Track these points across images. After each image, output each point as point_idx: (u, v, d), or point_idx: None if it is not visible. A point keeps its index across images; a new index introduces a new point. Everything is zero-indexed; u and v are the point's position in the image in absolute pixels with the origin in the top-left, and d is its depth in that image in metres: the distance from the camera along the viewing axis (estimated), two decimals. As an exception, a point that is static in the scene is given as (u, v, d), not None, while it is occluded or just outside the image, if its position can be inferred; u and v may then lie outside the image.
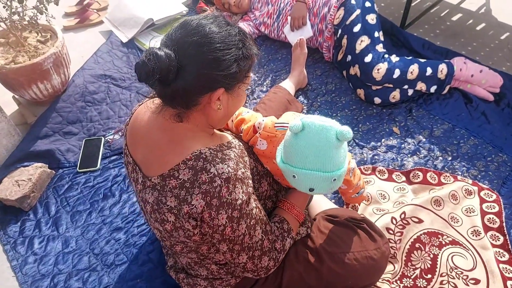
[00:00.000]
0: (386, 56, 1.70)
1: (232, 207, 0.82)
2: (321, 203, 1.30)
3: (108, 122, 1.75)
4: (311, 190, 0.87)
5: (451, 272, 1.21)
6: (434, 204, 1.36)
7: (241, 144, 0.96)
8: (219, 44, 0.77)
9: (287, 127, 0.93)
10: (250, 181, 0.89)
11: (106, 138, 1.68)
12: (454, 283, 1.19)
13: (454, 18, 2.29)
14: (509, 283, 1.16)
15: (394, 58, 1.70)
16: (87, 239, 1.38)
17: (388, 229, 1.29)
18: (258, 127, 1.05)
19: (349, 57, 1.76)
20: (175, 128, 0.86)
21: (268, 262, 0.94)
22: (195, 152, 0.83)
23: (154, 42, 2.11)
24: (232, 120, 1.14)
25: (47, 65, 1.60)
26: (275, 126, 1.02)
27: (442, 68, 1.70)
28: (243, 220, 0.84)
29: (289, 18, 1.97)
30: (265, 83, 1.94)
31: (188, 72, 0.77)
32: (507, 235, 1.29)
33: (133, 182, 0.95)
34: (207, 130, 0.90)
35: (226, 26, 0.81)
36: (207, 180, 0.80)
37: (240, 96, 0.88)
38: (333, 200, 1.43)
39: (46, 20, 1.61)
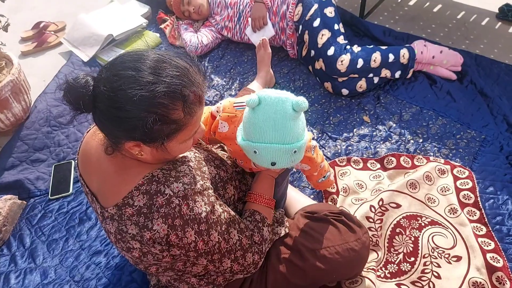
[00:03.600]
0: (348, 47, 1.72)
1: (197, 221, 0.80)
2: (299, 201, 1.30)
3: (77, 144, 1.70)
4: (273, 164, 0.86)
5: (433, 253, 1.23)
6: (410, 188, 1.38)
7: (198, 156, 0.94)
8: (129, 106, 0.70)
9: (245, 105, 0.93)
10: (211, 191, 0.87)
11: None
12: (437, 263, 1.21)
13: (411, 3, 2.34)
14: (488, 255, 1.19)
15: (356, 49, 1.72)
16: (66, 267, 1.34)
17: (368, 217, 1.30)
18: (217, 111, 1.03)
19: (312, 52, 1.77)
20: (121, 155, 0.82)
21: (253, 257, 0.93)
22: (147, 176, 0.81)
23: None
24: None
25: (5, 93, 1.54)
26: (234, 106, 1.01)
27: (404, 53, 1.73)
28: (213, 229, 0.83)
29: (249, 19, 1.96)
30: (233, 87, 1.93)
31: (99, 112, 0.75)
32: (482, 209, 1.32)
33: (94, 212, 0.93)
34: (150, 161, 0.85)
35: (158, 79, 0.71)
36: (164, 203, 0.78)
37: (174, 148, 0.81)
38: (312, 196, 1.44)
39: (-3, 47, 1.56)
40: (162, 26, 2.27)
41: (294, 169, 1.10)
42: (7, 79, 1.54)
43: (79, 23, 2.20)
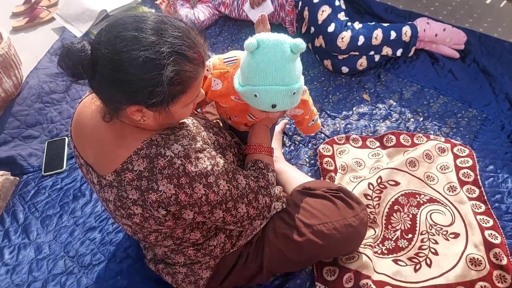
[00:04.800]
0: (349, 24, 1.67)
1: (204, 175, 0.80)
2: (297, 178, 1.28)
3: (70, 121, 1.67)
4: (274, 106, 0.87)
5: (430, 229, 1.22)
6: (409, 165, 1.36)
7: (196, 122, 0.92)
8: (133, 68, 0.69)
9: (236, 59, 0.94)
10: (211, 149, 0.86)
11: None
12: (434, 239, 1.20)
13: (414, -20, 2.28)
14: (486, 232, 1.18)
15: (357, 25, 1.68)
16: (60, 243, 1.32)
17: (366, 195, 1.28)
18: (208, 70, 1.01)
19: (312, 29, 1.73)
20: (119, 122, 0.81)
21: (265, 200, 0.94)
22: (146, 140, 0.79)
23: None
24: None
25: (-5, 67, 1.50)
26: (224, 62, 1.00)
27: (406, 30, 1.68)
28: (220, 179, 0.83)
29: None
30: (231, 64, 1.89)
31: (99, 76, 0.71)
32: (482, 187, 1.31)
33: (90, 184, 0.90)
34: (147, 127, 0.84)
35: (161, 39, 0.70)
36: (166, 164, 0.77)
37: (178, 112, 0.80)
38: (309, 174, 1.42)
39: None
40: (157, 1, 2.21)
41: (287, 115, 1.10)
42: (-3, 52, 1.50)
43: (72, -2, 2.14)
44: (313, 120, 1.13)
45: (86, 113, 0.87)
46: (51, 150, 1.57)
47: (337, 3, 1.70)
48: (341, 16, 1.69)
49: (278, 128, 1.51)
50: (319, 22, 1.68)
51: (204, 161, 0.81)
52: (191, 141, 0.81)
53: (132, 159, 0.78)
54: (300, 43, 0.83)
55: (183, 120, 0.89)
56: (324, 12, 1.67)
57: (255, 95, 0.86)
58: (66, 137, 1.61)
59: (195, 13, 2.03)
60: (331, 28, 1.65)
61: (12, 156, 1.53)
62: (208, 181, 0.80)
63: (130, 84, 0.70)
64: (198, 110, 1.11)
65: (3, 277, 1.25)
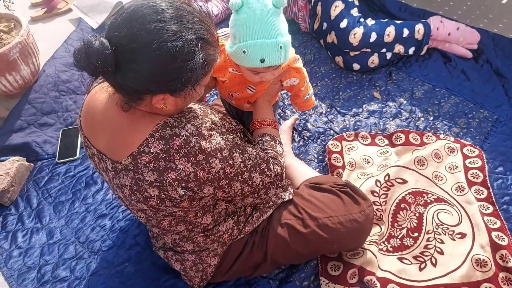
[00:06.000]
0: (362, 20, 1.67)
1: (219, 150, 0.83)
2: (305, 173, 1.29)
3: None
4: (262, 61, 0.91)
5: (437, 229, 1.22)
6: (418, 164, 1.36)
7: (202, 106, 0.95)
8: (168, 59, 0.71)
9: (229, 33, 0.98)
10: (221, 128, 0.91)
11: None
12: (440, 239, 1.20)
13: (430, -21, 2.25)
14: (493, 234, 1.17)
15: (370, 22, 1.67)
16: (71, 229, 1.36)
17: (373, 192, 1.29)
18: None
19: (325, 25, 1.73)
20: (132, 109, 0.83)
21: (276, 168, 0.97)
22: (160, 123, 0.81)
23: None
24: None
25: (14, 55, 1.54)
26: (220, 37, 1.04)
27: (419, 28, 1.68)
28: (234, 152, 0.87)
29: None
30: (242, 59, 1.90)
31: (126, 70, 0.73)
32: (490, 189, 1.30)
33: (103, 173, 0.92)
34: (161, 112, 0.86)
35: (183, 27, 0.73)
36: (182, 144, 0.80)
37: (196, 94, 0.84)
38: (317, 169, 1.43)
39: (4, 6, 1.54)
40: (172, -5, 2.23)
41: (284, 87, 1.15)
42: (16, 40, 1.54)
43: (89, -11, 2.17)
44: (308, 94, 1.17)
45: (96, 103, 0.89)
46: (65, 138, 1.61)
47: (350, -1, 1.70)
48: (354, 12, 1.69)
49: (288, 123, 1.53)
50: (332, 17, 1.68)
51: (217, 137, 0.84)
52: (202, 121, 0.85)
53: (148, 142, 0.80)
54: None
55: (190, 105, 0.91)
56: (337, 7, 1.67)
57: (244, 52, 0.90)
58: (79, 126, 1.64)
59: (209, 6, 2.04)
60: (344, 23, 1.65)
61: (28, 142, 1.57)
62: (223, 155, 0.84)
63: (163, 75, 0.73)
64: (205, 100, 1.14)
65: (16, 259, 1.29)
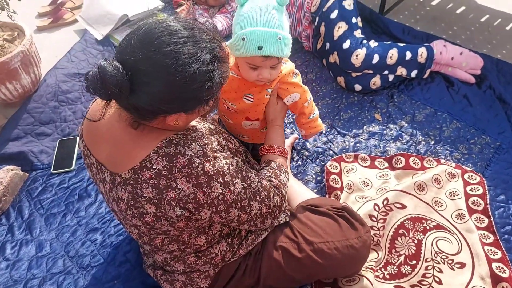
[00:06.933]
0: (365, 41, 1.67)
1: (221, 174, 0.82)
2: (302, 193, 1.27)
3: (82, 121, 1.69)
4: (260, 48, 0.92)
5: (436, 257, 1.19)
6: (417, 189, 1.33)
7: (208, 126, 0.93)
8: (188, 82, 0.71)
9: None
10: (225, 150, 0.89)
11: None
12: (439, 268, 1.16)
13: (434, 3, 2.27)
14: (494, 265, 1.14)
15: (373, 44, 1.67)
16: (62, 242, 1.33)
17: (371, 216, 1.26)
18: None
19: (327, 45, 1.73)
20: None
21: (276, 199, 0.96)
22: (165, 140, 0.80)
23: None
24: None
25: (15, 64, 1.54)
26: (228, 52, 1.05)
27: (422, 51, 1.67)
28: (236, 178, 0.85)
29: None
30: (244, 75, 1.90)
31: (141, 92, 0.72)
32: (491, 217, 1.27)
33: (99, 184, 0.90)
34: (168, 129, 0.86)
35: (198, 47, 0.73)
36: (186, 163, 0.78)
37: (206, 108, 0.84)
38: (315, 190, 1.40)
39: (8, 16, 1.55)
40: (178, 10, 2.25)
41: (287, 106, 1.13)
42: (18, 49, 1.54)
43: (96, 1, 2.19)
44: (314, 113, 1.16)
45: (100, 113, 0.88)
46: (62, 149, 1.59)
47: (354, 20, 1.70)
48: (357, 33, 1.69)
49: (287, 142, 1.51)
50: (335, 38, 1.69)
51: (221, 160, 0.83)
52: (207, 141, 0.84)
53: (151, 157, 0.79)
54: None
55: (195, 125, 0.90)
56: (341, 28, 1.68)
57: (243, 39, 0.92)
58: (77, 137, 1.63)
59: (214, 22, 2.05)
60: (346, 44, 1.65)
61: (24, 151, 1.56)
62: (225, 180, 0.82)
63: (181, 97, 0.73)
64: (211, 114, 1.13)
65: (2, 271, 1.26)
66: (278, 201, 0.97)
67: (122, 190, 0.81)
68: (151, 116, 0.77)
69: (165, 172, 0.78)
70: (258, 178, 0.92)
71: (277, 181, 0.99)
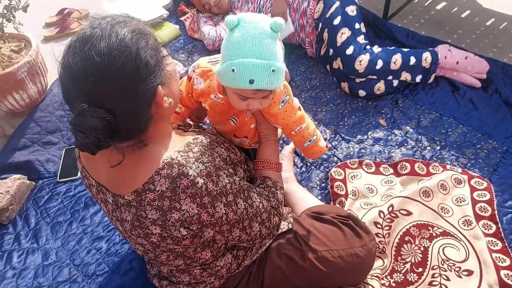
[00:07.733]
0: (368, 47, 1.67)
1: (224, 194, 0.81)
2: (307, 200, 1.27)
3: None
4: (252, 82, 0.83)
5: (442, 265, 1.17)
6: (423, 195, 1.32)
7: (209, 137, 0.92)
8: (128, 62, 0.70)
9: (219, 59, 0.91)
10: (228, 166, 0.89)
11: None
12: (446, 276, 1.15)
13: (439, 7, 2.26)
14: (502, 272, 1.12)
15: (376, 49, 1.67)
16: (67, 250, 1.34)
17: (376, 223, 1.25)
18: (193, 70, 1.03)
19: (331, 51, 1.73)
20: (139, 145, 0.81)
21: (275, 220, 0.96)
22: (166, 160, 0.78)
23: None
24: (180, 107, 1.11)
25: (21, 74, 1.56)
26: (208, 62, 1.01)
27: (426, 56, 1.66)
28: (238, 197, 0.85)
29: (269, 15, 1.93)
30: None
31: (119, 107, 0.71)
32: (499, 223, 1.25)
33: (101, 203, 0.89)
34: (167, 131, 0.86)
35: (116, 31, 0.72)
36: (189, 184, 0.77)
37: (172, 74, 0.83)
38: (320, 197, 1.39)
39: (14, 28, 1.57)
40: (182, 18, 2.27)
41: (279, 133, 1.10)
42: (24, 60, 1.56)
43: (101, 11, 2.22)
44: (310, 141, 1.08)
45: None
46: (68, 157, 1.61)
47: (357, 26, 1.70)
48: (361, 39, 1.69)
49: (289, 148, 1.50)
50: (338, 44, 1.69)
51: (224, 179, 0.82)
52: (210, 157, 0.82)
53: (154, 179, 0.77)
54: (280, 20, 0.83)
55: (197, 136, 0.89)
56: (344, 34, 1.68)
57: (233, 70, 0.83)
58: (82, 145, 1.65)
59: (217, 30, 2.07)
60: (350, 50, 1.65)
61: (30, 160, 1.58)
62: (228, 199, 0.82)
63: (136, 77, 0.72)
64: (206, 125, 1.12)
65: (9, 280, 1.27)
66: (277, 221, 0.97)
67: (126, 212, 0.81)
68: (144, 114, 0.76)
69: (168, 194, 0.77)
70: (260, 198, 0.92)
71: (275, 201, 0.98)
